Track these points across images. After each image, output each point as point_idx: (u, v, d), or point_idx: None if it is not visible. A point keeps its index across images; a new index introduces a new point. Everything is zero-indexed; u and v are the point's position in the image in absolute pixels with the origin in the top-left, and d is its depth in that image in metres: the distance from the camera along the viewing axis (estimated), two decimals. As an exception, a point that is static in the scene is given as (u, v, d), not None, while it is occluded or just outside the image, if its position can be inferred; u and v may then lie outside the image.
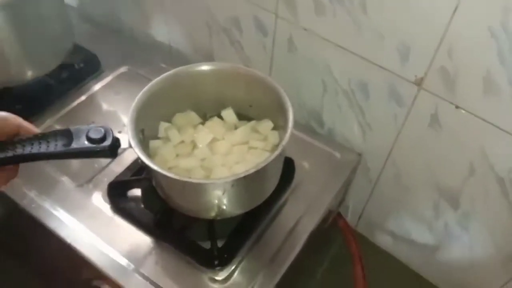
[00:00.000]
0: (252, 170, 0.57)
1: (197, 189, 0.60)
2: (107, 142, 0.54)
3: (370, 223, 0.93)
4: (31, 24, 0.78)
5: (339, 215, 0.94)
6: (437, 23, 0.58)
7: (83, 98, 0.89)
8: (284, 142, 0.60)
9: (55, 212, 0.71)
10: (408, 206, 0.83)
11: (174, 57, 0.98)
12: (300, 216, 0.72)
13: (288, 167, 0.76)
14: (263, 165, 0.57)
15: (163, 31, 0.97)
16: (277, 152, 0.59)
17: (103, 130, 0.54)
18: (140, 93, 0.65)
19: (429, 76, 0.64)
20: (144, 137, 0.65)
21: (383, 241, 0.93)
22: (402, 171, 0.79)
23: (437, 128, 0.68)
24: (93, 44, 0.96)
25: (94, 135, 0.54)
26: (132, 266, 0.66)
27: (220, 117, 0.73)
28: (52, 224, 0.70)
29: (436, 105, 0.66)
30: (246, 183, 0.59)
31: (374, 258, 0.91)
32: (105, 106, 0.88)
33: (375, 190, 0.86)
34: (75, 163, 0.77)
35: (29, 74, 0.82)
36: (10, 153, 0.49)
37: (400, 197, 0.82)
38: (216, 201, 0.61)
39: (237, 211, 0.65)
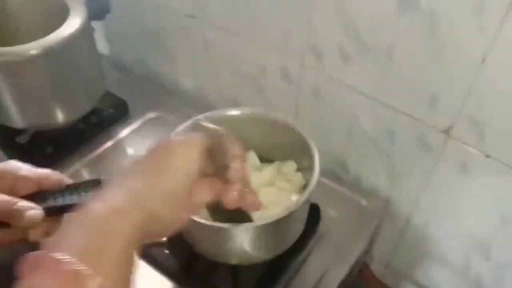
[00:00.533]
0: (282, 214, 0.57)
1: (225, 234, 0.59)
2: None
3: (397, 273, 0.90)
4: (67, 71, 0.81)
5: (364, 264, 0.91)
6: (465, 72, 0.59)
7: (110, 143, 0.90)
8: (311, 187, 0.60)
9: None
10: (437, 256, 0.80)
11: (201, 103, 1.01)
12: (327, 266, 0.71)
13: (313, 214, 0.75)
14: (292, 209, 0.57)
15: (190, 78, 1.00)
16: (305, 196, 0.59)
17: None
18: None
19: (458, 125, 0.64)
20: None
21: (411, 293, 0.90)
22: (430, 219, 0.77)
23: (467, 176, 0.67)
24: (122, 91, 0.99)
25: None
26: (156, 313, 0.65)
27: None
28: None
29: (465, 154, 0.65)
30: (274, 228, 0.59)
31: (402, 311, 0.88)
32: (132, 152, 0.90)
33: (402, 238, 0.84)
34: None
35: (62, 118, 0.84)
36: (42, 205, 0.48)
37: (429, 246, 0.80)
38: (243, 246, 0.60)
39: (263, 256, 0.64)
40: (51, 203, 0.49)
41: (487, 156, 0.63)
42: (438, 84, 0.63)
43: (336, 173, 0.86)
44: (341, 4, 0.65)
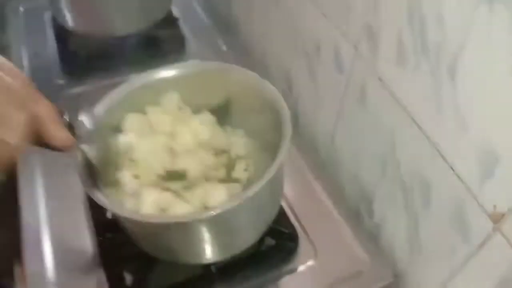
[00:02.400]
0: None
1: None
2: None
3: None
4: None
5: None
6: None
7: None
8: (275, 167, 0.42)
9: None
10: None
11: (258, 66, 0.85)
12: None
13: (286, 243, 0.56)
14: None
15: (258, 37, 0.85)
16: (264, 179, 0.42)
17: None
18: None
19: (513, 217, 0.38)
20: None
21: None
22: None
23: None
24: (194, 26, 0.90)
25: None
26: None
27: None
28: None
29: None
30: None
31: None
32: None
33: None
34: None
35: (112, 29, 0.79)
36: None
37: None
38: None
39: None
40: None
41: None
42: (502, 146, 0.37)
43: (359, 211, 0.64)
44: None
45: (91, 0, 0.77)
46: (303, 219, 0.61)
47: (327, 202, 0.63)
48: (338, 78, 0.61)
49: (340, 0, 0.56)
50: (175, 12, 0.91)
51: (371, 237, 0.61)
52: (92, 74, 0.79)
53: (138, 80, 0.54)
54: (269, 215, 0.50)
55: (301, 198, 0.63)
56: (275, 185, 0.49)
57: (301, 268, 0.56)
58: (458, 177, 0.43)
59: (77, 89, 0.77)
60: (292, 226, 0.58)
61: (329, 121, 0.67)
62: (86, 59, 0.82)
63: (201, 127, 0.53)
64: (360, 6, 0.52)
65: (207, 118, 0.55)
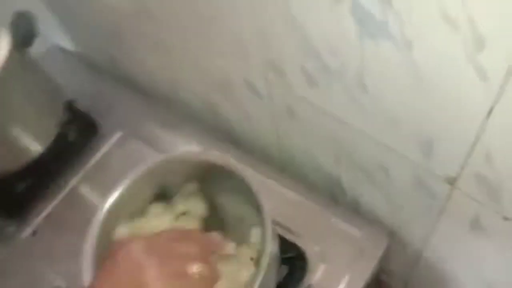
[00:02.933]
0: None
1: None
2: None
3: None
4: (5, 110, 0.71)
5: (381, 282, 0.79)
6: (467, 118, 0.40)
7: (81, 174, 0.81)
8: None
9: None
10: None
11: (179, 109, 0.87)
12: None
13: (296, 263, 0.63)
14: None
15: (162, 80, 0.85)
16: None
17: None
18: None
19: (464, 179, 0.46)
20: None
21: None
22: (442, 262, 0.62)
23: (481, 234, 0.50)
24: (92, 100, 0.87)
25: None
26: None
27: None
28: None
29: (477, 211, 0.48)
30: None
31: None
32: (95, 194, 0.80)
33: (416, 266, 0.69)
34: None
35: (15, 161, 0.75)
36: None
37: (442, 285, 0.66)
38: None
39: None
40: None
41: (506, 218, 0.45)
42: (429, 129, 0.44)
43: (332, 193, 0.71)
44: (292, 17, 0.46)
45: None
46: (293, 227, 0.66)
47: (301, 198, 0.69)
48: (260, 102, 0.65)
49: (235, 42, 0.58)
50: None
51: (354, 212, 0.68)
52: (34, 202, 0.78)
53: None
54: (277, 254, 0.56)
55: (281, 209, 0.69)
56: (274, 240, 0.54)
57: (318, 274, 0.63)
58: (407, 158, 0.50)
59: (30, 227, 0.76)
60: (295, 246, 0.64)
61: (270, 135, 0.71)
62: (17, 192, 0.79)
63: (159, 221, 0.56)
64: (255, 45, 0.55)
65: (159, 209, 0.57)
